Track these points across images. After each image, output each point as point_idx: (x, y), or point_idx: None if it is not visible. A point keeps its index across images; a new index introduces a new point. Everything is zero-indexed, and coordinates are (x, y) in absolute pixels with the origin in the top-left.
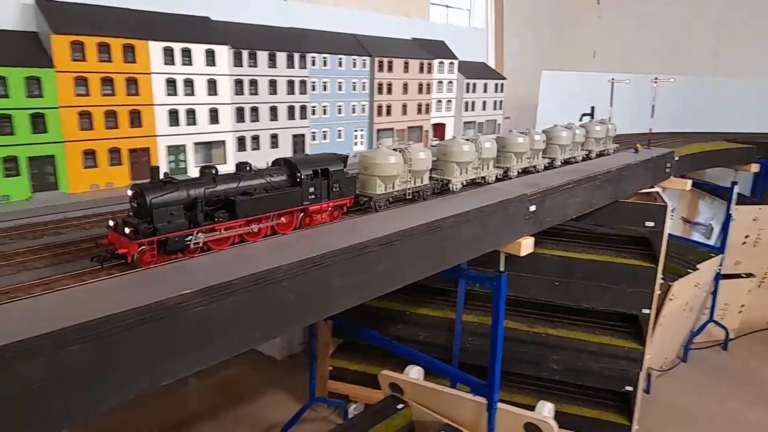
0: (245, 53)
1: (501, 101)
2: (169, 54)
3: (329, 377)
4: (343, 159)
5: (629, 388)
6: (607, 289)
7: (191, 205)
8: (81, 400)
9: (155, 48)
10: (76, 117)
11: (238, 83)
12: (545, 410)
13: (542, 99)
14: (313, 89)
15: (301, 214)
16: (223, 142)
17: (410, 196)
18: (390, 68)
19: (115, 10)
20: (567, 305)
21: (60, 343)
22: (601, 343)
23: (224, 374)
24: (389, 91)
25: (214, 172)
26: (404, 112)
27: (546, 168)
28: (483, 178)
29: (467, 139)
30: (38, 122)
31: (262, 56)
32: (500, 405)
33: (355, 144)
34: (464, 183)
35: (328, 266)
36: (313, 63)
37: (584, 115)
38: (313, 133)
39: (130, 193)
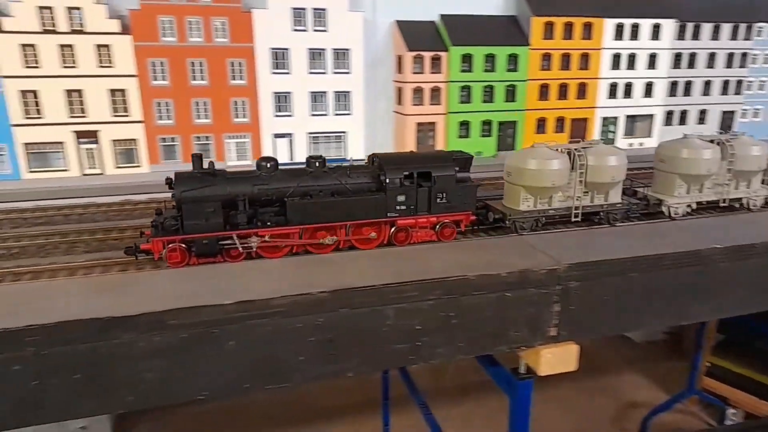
0: (689, 26)
1: None
2: (619, 30)
3: (704, 373)
4: (461, 161)
5: None
6: None
7: (233, 203)
8: (633, 317)
9: (609, 25)
10: (537, 89)
11: (677, 57)
12: None
13: None
14: (753, 62)
15: (392, 228)
16: (650, 116)
17: (578, 218)
18: None
19: None
20: None
21: (626, 270)
22: None
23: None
24: None
25: (269, 165)
26: None
27: None
28: (739, 200)
29: (710, 140)
30: (510, 93)
31: (706, 29)
32: None
33: None
34: (692, 207)
35: None
36: (758, 34)
37: None
38: (744, 110)
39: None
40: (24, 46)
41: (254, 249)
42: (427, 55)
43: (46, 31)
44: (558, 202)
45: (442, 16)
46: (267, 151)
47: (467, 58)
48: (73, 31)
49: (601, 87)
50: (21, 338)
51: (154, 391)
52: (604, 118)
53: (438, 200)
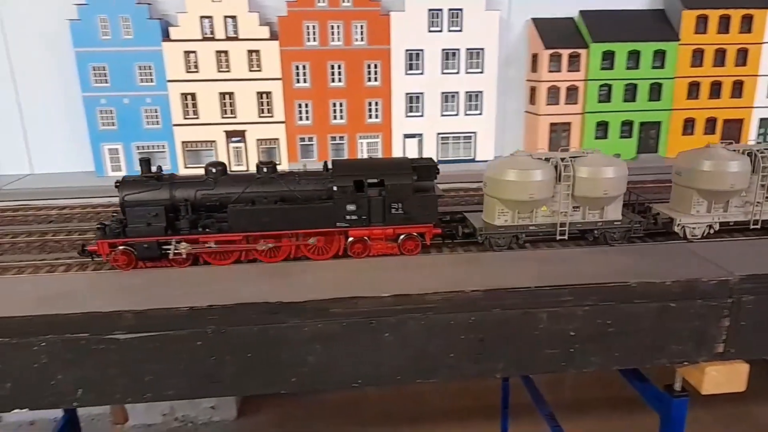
0: None
1: None
2: None
3: None
4: (423, 169)
5: None
6: None
7: (177, 208)
8: None
9: None
10: (686, 87)
11: None
12: None
13: None
14: None
15: (349, 239)
16: None
17: (564, 236)
18: None
19: None
20: None
21: None
22: None
23: None
24: None
25: (216, 170)
26: None
27: None
28: None
29: (741, 151)
30: (654, 91)
31: None
32: None
33: None
34: (715, 228)
35: None
36: None
37: None
38: None
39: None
40: (186, 52)
41: (183, 255)
42: (565, 53)
43: (205, 39)
44: (542, 218)
45: (582, 12)
46: (397, 151)
47: (608, 55)
48: (228, 38)
49: (760, 85)
50: (204, 316)
51: (314, 375)
52: (763, 119)
53: (393, 211)
